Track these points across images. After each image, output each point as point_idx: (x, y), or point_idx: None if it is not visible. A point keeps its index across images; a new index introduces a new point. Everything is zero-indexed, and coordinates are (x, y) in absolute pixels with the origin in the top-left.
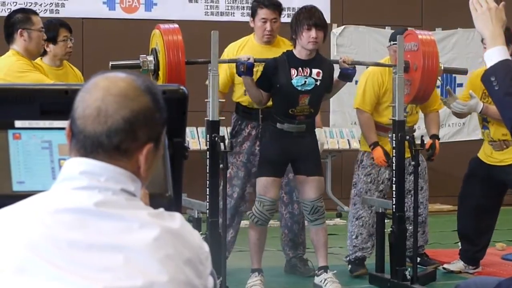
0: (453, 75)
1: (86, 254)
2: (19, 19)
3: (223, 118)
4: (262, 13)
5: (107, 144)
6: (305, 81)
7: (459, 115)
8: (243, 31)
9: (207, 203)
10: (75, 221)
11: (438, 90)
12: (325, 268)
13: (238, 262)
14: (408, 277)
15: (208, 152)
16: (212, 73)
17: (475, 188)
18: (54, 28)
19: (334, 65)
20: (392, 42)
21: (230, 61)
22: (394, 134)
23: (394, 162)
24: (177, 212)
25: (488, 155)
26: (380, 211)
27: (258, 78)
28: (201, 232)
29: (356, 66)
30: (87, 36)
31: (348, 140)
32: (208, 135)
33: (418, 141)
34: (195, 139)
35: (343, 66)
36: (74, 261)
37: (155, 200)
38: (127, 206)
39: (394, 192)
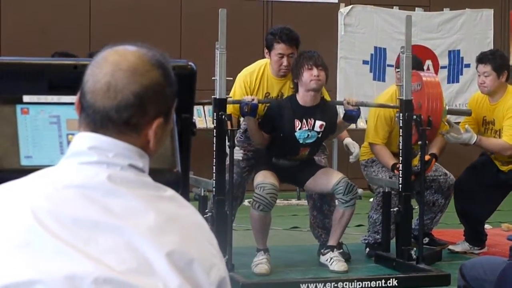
0: (461, 56)
1: (90, 233)
2: None
3: (230, 97)
4: (279, 48)
5: (117, 119)
6: (308, 135)
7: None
8: (250, 10)
9: (214, 181)
10: (81, 198)
11: (446, 71)
12: (331, 248)
13: (244, 241)
14: (414, 256)
15: (214, 130)
16: (220, 51)
17: (475, 177)
18: None
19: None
20: (397, 70)
21: (234, 102)
22: (401, 114)
23: (400, 142)
24: (185, 188)
25: (497, 160)
26: (387, 190)
27: (261, 120)
28: (207, 210)
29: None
30: (94, 11)
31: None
32: (215, 113)
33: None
34: (202, 117)
35: (347, 107)
36: (78, 239)
37: (163, 176)
38: (135, 181)
39: (400, 171)
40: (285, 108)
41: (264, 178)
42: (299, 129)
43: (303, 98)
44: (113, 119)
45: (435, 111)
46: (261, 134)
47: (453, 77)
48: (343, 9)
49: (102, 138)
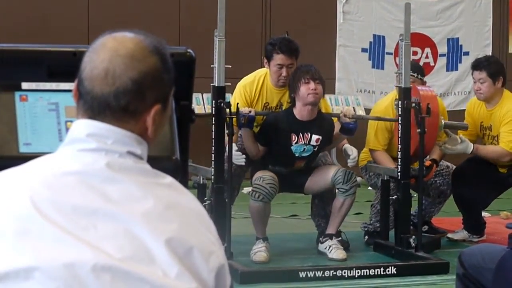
0: (460, 43)
1: (89, 220)
2: None
3: (229, 84)
4: (278, 58)
5: (115, 105)
6: (304, 149)
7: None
8: None
9: (212, 169)
10: (80, 185)
11: (444, 59)
12: (330, 236)
13: (243, 229)
14: (413, 244)
15: (213, 118)
16: (219, 39)
17: (475, 168)
18: None
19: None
20: (398, 71)
21: (231, 114)
22: (400, 101)
23: (399, 129)
24: (184, 175)
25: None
26: (386, 178)
27: (257, 132)
28: (205, 198)
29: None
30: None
31: (353, 108)
32: (213, 101)
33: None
34: (200, 105)
35: (345, 120)
36: (77, 226)
37: (162, 163)
38: (134, 168)
39: (399, 159)
40: (282, 122)
41: (263, 173)
42: (295, 143)
43: (300, 112)
44: (111, 106)
45: (431, 126)
46: (257, 146)
47: (452, 65)
48: None
49: (100, 125)
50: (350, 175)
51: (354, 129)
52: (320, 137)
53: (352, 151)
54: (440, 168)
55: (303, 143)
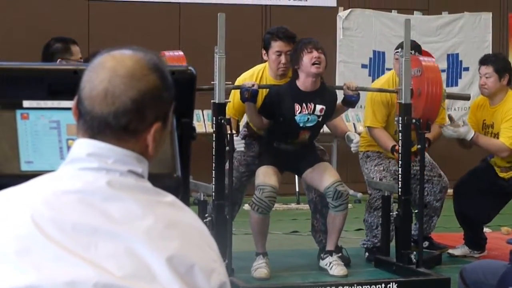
0: (460, 59)
1: (90, 238)
2: (59, 49)
3: (230, 101)
4: (276, 45)
5: (115, 125)
6: (308, 118)
7: (463, 145)
8: (250, 14)
9: (213, 186)
10: (81, 203)
11: (444, 74)
12: (330, 252)
13: (244, 245)
14: (414, 260)
15: (214, 135)
16: (219, 56)
17: (475, 181)
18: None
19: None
20: (396, 51)
21: (234, 87)
22: (400, 117)
23: (400, 146)
24: (185, 192)
25: (497, 166)
26: (386, 194)
27: (260, 105)
28: (206, 215)
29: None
30: (92, 18)
31: (354, 124)
32: (214, 118)
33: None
34: (201, 122)
35: (347, 93)
36: (78, 245)
37: (164, 181)
38: (135, 187)
39: (400, 175)
40: (285, 94)
41: (264, 179)
42: (299, 112)
43: (304, 83)
44: (111, 125)
45: (434, 95)
46: (261, 118)
47: (452, 81)
48: (342, 13)
49: (101, 144)
50: (340, 194)
51: (356, 101)
52: (324, 107)
53: (355, 136)
54: (433, 175)
55: (306, 112)
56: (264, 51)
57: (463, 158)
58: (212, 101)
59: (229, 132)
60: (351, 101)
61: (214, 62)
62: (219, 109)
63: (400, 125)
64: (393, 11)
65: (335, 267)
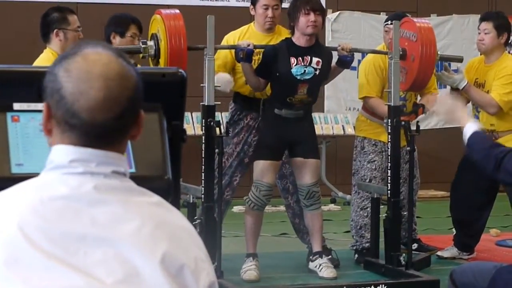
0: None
1: (78, 245)
2: (55, 19)
3: (219, 103)
4: None
5: (117, 128)
6: (305, 70)
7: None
8: (239, 16)
9: (202, 188)
10: (67, 210)
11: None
12: (320, 253)
13: (233, 247)
14: (403, 262)
15: (203, 137)
16: (208, 58)
17: (469, 176)
18: (126, 22)
19: (333, 51)
20: (385, 23)
21: (229, 47)
22: (389, 120)
23: (389, 147)
24: (176, 195)
25: None
26: (376, 196)
27: (257, 66)
28: (195, 217)
29: (354, 52)
30: (82, 21)
31: (342, 126)
32: (203, 120)
33: (413, 128)
34: (190, 124)
35: (342, 53)
36: (67, 253)
37: (154, 183)
38: (120, 188)
39: (389, 177)
40: (281, 50)
41: (262, 175)
42: (295, 65)
43: (299, 40)
44: (115, 129)
45: (429, 56)
46: (257, 78)
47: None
48: (331, 15)
49: (81, 149)
50: (312, 195)
51: (351, 62)
52: (321, 60)
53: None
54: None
55: (302, 65)
56: (251, 6)
57: (456, 160)
58: (201, 103)
59: (218, 134)
60: (345, 61)
61: (204, 64)
62: (208, 112)
63: (389, 127)
64: (381, 13)
65: (324, 269)
